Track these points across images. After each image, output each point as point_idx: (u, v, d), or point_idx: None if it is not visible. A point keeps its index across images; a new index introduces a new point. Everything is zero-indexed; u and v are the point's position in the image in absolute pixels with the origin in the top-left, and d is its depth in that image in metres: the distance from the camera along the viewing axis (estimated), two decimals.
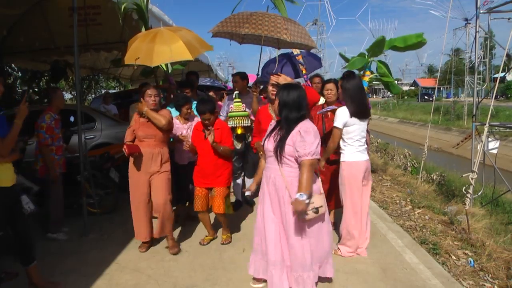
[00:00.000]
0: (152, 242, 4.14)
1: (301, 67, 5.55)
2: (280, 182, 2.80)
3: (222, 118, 4.98)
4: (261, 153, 3.46)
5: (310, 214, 2.69)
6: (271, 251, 2.86)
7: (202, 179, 4.04)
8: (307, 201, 2.61)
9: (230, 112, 4.84)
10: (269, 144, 2.85)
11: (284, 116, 2.77)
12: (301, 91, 2.82)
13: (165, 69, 5.86)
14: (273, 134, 2.86)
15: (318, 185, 2.86)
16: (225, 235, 4.27)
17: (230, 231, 4.32)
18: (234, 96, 4.95)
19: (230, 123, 4.73)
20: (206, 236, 4.30)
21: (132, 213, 3.98)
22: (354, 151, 3.70)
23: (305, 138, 2.65)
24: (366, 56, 5.67)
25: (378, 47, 5.43)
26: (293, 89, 2.80)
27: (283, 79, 3.51)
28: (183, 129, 4.43)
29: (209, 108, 3.87)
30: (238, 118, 4.77)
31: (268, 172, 2.90)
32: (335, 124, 3.70)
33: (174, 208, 4.48)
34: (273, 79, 3.60)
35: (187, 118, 4.47)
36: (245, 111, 4.77)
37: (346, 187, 3.74)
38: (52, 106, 4.52)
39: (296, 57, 5.62)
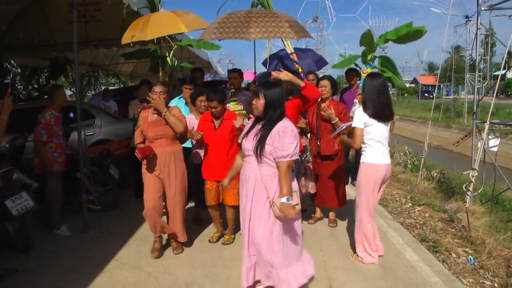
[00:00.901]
0: (163, 247, 3.98)
1: (296, 65, 5.50)
2: (258, 181, 2.71)
3: None
4: None
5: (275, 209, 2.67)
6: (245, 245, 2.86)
7: (212, 172, 3.94)
8: (288, 202, 2.54)
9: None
10: (247, 143, 2.75)
11: (269, 115, 2.68)
12: (281, 89, 2.78)
13: (170, 63, 5.88)
14: (251, 133, 2.75)
15: (294, 183, 2.77)
16: (228, 235, 4.15)
17: (234, 232, 4.18)
18: (230, 95, 4.90)
19: None
20: (215, 233, 4.24)
21: (146, 213, 3.73)
22: (374, 152, 3.52)
23: (284, 139, 2.58)
24: (365, 52, 5.65)
25: (369, 41, 5.41)
26: (278, 87, 2.74)
27: (285, 75, 3.42)
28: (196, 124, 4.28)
29: (218, 97, 3.79)
30: None
31: (247, 171, 2.78)
32: (354, 124, 3.52)
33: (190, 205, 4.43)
34: (274, 75, 3.48)
35: (201, 112, 4.29)
36: (242, 109, 4.69)
37: (363, 189, 3.55)
38: (54, 103, 4.52)
39: (290, 56, 5.53)
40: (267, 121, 2.68)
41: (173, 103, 4.92)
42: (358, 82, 5.67)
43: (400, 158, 10.20)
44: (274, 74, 3.47)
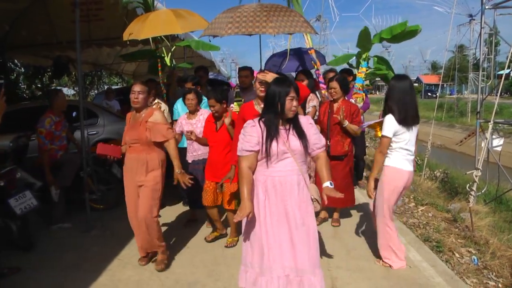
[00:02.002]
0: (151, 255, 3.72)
1: (312, 63, 5.38)
2: (302, 183, 2.47)
3: None
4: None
5: (316, 205, 2.58)
6: (279, 258, 2.44)
7: (211, 172, 3.91)
8: (332, 186, 2.49)
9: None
10: (292, 142, 2.43)
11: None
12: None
13: (168, 64, 5.84)
14: (282, 133, 2.44)
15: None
16: (231, 238, 4.05)
17: (237, 235, 4.01)
18: (234, 94, 4.79)
19: None
20: (212, 232, 4.21)
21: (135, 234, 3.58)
22: (400, 158, 3.36)
23: (315, 130, 2.55)
24: (360, 52, 5.64)
25: (366, 39, 5.39)
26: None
27: (271, 76, 3.21)
28: (188, 125, 4.25)
29: (214, 95, 3.73)
30: None
31: (281, 178, 2.44)
32: (383, 133, 3.31)
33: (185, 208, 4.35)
34: (260, 77, 3.35)
35: (192, 111, 4.27)
36: None
37: (385, 193, 3.39)
38: (53, 108, 4.54)
39: (309, 52, 5.40)
40: (296, 117, 2.50)
41: (178, 104, 4.90)
42: (352, 82, 5.60)
43: None
44: (260, 76, 3.34)
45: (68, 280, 3.40)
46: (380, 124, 3.49)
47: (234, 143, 3.56)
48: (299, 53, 6.14)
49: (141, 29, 4.68)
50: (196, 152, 4.32)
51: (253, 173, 2.48)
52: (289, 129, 2.47)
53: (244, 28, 4.15)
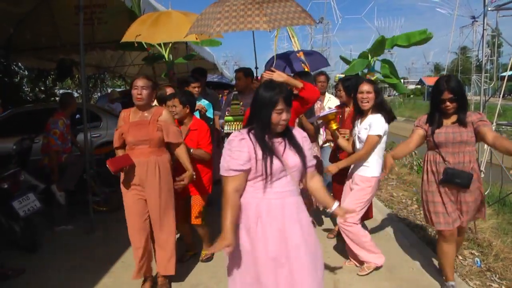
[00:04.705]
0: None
1: (302, 65, 4.98)
2: (300, 205, 2.11)
3: (221, 121, 4.74)
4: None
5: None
6: None
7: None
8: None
9: (226, 116, 4.44)
10: (289, 159, 2.04)
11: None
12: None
13: (167, 58, 5.51)
14: (280, 148, 2.06)
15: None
16: (205, 250, 3.76)
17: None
18: (231, 97, 4.60)
19: (226, 129, 4.34)
20: (186, 251, 3.82)
21: (131, 242, 3.16)
22: (380, 165, 3.31)
23: (309, 145, 2.20)
24: (369, 56, 5.56)
25: (379, 47, 5.32)
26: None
27: (278, 75, 2.94)
28: None
29: (179, 96, 3.38)
30: (235, 123, 4.29)
31: (275, 201, 2.03)
32: (377, 132, 3.19)
33: None
34: (266, 76, 2.97)
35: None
36: (243, 114, 4.15)
37: (367, 203, 3.39)
38: (66, 111, 4.58)
39: (297, 54, 5.03)
40: (287, 128, 2.12)
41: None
42: None
43: (406, 160, 10.13)
44: (266, 75, 2.99)
45: (71, 281, 3.41)
46: (334, 115, 3.39)
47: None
48: (286, 56, 5.68)
49: (153, 33, 4.37)
50: None
51: (240, 196, 2.05)
52: (284, 143, 2.07)
53: (234, 24, 3.57)
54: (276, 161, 1.99)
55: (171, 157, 3.15)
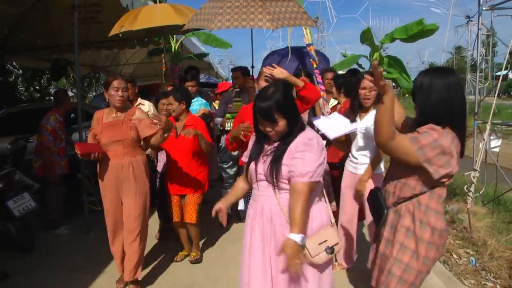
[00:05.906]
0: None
1: (311, 61, 4.68)
2: (276, 213, 1.97)
3: (219, 119, 4.73)
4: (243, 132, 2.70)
5: (322, 256, 1.92)
6: None
7: (174, 185, 3.51)
8: (300, 244, 1.80)
9: (229, 112, 4.48)
10: (259, 165, 2.01)
11: (291, 131, 1.99)
12: (289, 89, 2.19)
13: (174, 49, 5.54)
14: (265, 151, 2.02)
15: (328, 214, 2.09)
16: (194, 252, 3.76)
17: (199, 249, 3.82)
18: (233, 95, 4.68)
19: (228, 126, 4.37)
20: (181, 251, 3.82)
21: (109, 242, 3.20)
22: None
23: (305, 154, 1.88)
24: (370, 53, 5.46)
25: (368, 39, 5.19)
26: (287, 92, 2.00)
27: (279, 71, 2.77)
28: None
29: (173, 93, 3.39)
30: None
31: (259, 203, 2.03)
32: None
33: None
34: (266, 71, 2.81)
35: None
36: None
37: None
38: (60, 108, 4.54)
39: (308, 48, 4.68)
40: (286, 136, 1.98)
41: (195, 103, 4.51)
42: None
43: None
44: (266, 70, 2.83)
45: (66, 282, 3.39)
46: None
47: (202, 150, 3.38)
48: (300, 53, 5.33)
49: (134, 21, 4.32)
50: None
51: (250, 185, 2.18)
52: (274, 149, 1.99)
53: (236, 21, 3.49)
54: (252, 164, 2.05)
55: (147, 159, 3.17)
